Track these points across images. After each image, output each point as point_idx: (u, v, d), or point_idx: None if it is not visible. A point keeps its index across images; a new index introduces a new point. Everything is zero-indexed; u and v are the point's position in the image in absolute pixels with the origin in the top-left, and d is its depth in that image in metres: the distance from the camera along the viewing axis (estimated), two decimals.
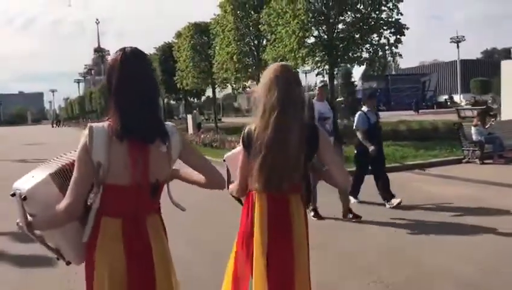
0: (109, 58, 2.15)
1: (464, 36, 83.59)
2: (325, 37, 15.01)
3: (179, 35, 26.04)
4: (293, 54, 14.63)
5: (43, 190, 1.99)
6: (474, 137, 11.45)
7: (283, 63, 2.71)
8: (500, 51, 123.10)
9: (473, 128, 11.70)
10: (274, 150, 2.40)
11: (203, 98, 38.39)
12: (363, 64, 15.52)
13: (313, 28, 14.30)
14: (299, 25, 14.14)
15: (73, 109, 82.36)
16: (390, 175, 10.23)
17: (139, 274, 1.98)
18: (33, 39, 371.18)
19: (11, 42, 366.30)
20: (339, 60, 14.53)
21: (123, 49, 2.04)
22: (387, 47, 15.04)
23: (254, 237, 2.49)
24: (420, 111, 46.12)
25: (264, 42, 20.04)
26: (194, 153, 2.23)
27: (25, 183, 2.02)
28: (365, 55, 15.27)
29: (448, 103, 64.27)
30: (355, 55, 15.03)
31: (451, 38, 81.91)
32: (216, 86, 25.09)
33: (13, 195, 1.98)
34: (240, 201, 2.78)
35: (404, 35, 15.03)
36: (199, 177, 2.21)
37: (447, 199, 7.65)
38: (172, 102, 39.57)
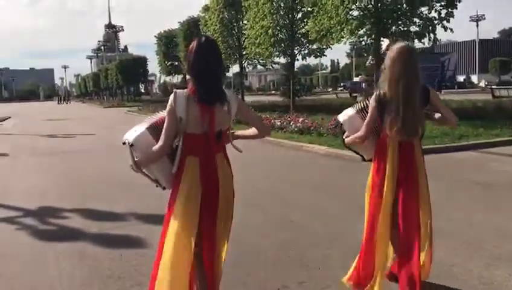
0: (192, 45, 2.84)
1: (484, 15, 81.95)
2: (372, 8, 14.26)
3: (206, 9, 25.26)
4: (339, 27, 13.93)
5: (142, 139, 2.85)
6: None
7: (406, 42, 3.48)
8: None
9: None
10: (406, 107, 3.20)
11: None
12: (411, 39, 14.73)
13: None
14: None
15: (87, 86, 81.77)
16: (459, 155, 9.74)
17: (211, 189, 2.81)
18: (42, 15, 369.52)
19: (21, 18, 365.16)
20: (389, 33, 13.78)
21: (199, 38, 2.86)
22: (437, 21, 14.30)
23: (387, 171, 3.32)
24: (442, 91, 45.15)
25: (299, 16, 19.34)
26: (248, 111, 3.08)
27: (131, 135, 2.87)
28: (413, 29, 14.55)
29: (467, 84, 63.03)
30: (404, 29, 14.30)
31: (470, 17, 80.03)
32: (243, 62, 24.41)
33: (124, 143, 2.86)
34: (355, 152, 3.69)
35: (456, 8, 14.27)
36: (251, 132, 3.07)
37: None
38: None
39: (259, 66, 28.72)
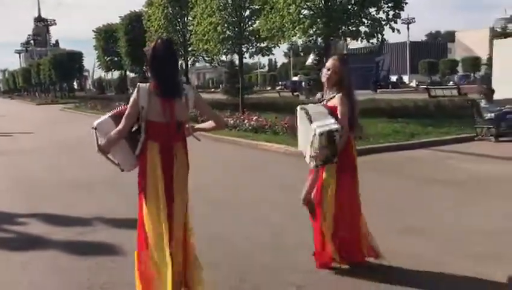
0: (149, 46, 3.29)
1: (414, 18, 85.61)
2: (322, 7, 14.36)
3: (150, 3, 24.50)
4: (291, 25, 13.93)
5: (105, 124, 3.28)
6: (487, 115, 11.21)
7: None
8: (444, 34, 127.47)
9: (482, 105, 11.47)
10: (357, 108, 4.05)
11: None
12: (360, 39, 15.04)
13: None
14: None
15: (17, 81, 77.24)
16: (415, 153, 9.96)
17: (167, 172, 3.13)
18: None
19: None
20: (340, 33, 13.95)
21: (157, 39, 3.25)
22: (384, 22, 14.65)
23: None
24: (378, 90, 46.64)
25: (247, 13, 19.18)
26: (204, 104, 3.40)
27: (96, 121, 3.29)
28: (362, 29, 14.81)
29: (399, 84, 65.72)
30: (353, 28, 14.53)
31: (402, 20, 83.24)
32: (189, 58, 23.95)
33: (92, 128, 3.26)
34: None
35: (403, 10, 14.70)
36: (208, 124, 3.44)
37: (502, 177, 7.38)
38: (133, 75, 37.66)
39: (197, 64, 28.36)
